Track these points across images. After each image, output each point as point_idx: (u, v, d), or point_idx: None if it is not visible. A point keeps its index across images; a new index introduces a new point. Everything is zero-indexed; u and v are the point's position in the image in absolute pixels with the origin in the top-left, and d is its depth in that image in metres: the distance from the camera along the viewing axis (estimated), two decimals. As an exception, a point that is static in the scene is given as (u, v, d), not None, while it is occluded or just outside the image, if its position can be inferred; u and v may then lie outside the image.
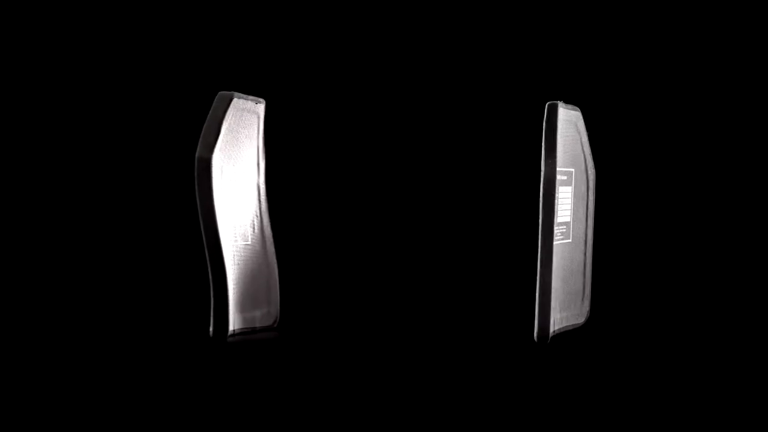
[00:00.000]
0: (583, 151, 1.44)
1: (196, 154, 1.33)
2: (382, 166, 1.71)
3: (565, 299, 1.42)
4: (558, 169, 1.37)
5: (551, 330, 1.37)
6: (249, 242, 1.43)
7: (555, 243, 1.38)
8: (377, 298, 1.67)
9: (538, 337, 1.34)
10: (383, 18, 1.69)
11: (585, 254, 1.46)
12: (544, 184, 1.34)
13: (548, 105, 1.36)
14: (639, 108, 1.68)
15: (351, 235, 1.71)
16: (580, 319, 1.46)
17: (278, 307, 1.47)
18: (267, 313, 1.45)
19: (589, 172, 1.46)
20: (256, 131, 1.45)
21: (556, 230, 1.39)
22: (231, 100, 1.37)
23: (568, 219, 1.42)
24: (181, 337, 1.38)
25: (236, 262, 1.39)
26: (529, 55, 1.68)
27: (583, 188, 1.45)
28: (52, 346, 1.31)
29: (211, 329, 1.35)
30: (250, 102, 1.42)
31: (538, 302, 1.34)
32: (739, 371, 1.23)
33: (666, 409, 1.07)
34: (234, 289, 1.38)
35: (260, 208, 1.46)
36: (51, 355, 1.26)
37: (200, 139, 1.34)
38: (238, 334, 1.39)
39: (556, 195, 1.34)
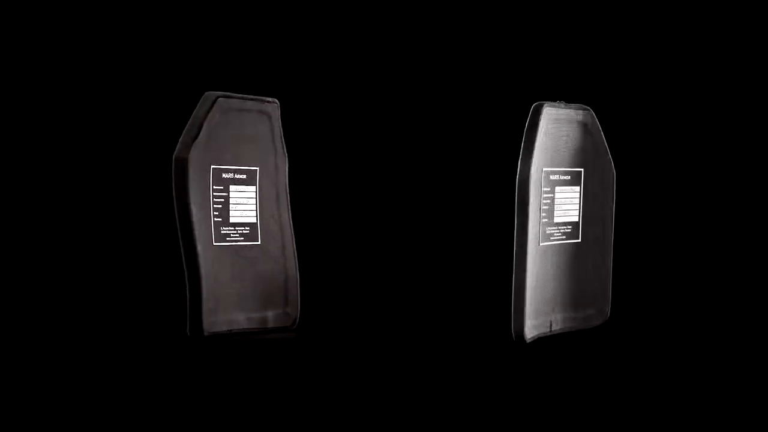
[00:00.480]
0: (597, 151, 1.43)
1: (173, 154, 1.36)
2: (393, 166, 1.71)
3: (571, 300, 1.42)
4: (554, 169, 1.38)
5: (547, 330, 1.38)
6: (259, 242, 1.44)
7: (552, 243, 1.38)
8: (380, 296, 1.68)
9: (515, 336, 1.34)
10: (390, 18, 1.69)
11: (603, 255, 1.45)
12: (518, 184, 1.33)
13: (534, 106, 1.35)
14: (659, 109, 1.66)
15: (362, 237, 1.72)
16: (596, 321, 1.45)
17: (298, 308, 1.47)
18: (283, 314, 1.46)
19: (606, 172, 1.44)
20: (268, 132, 1.45)
21: (554, 230, 1.39)
22: (215, 100, 1.38)
23: (575, 219, 1.42)
24: (168, 335, 1.40)
25: (241, 263, 1.41)
26: (547, 56, 1.67)
27: (599, 188, 1.44)
28: (62, 347, 1.33)
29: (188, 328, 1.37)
30: (250, 102, 1.42)
31: (513, 303, 1.34)
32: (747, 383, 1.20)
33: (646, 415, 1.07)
34: (233, 288, 1.40)
35: (279, 209, 1.46)
36: (59, 356, 1.28)
37: (180, 139, 1.36)
38: (240, 333, 1.40)
39: (531, 196, 1.33)
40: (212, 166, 1.38)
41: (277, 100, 1.46)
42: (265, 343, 1.38)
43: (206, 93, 1.39)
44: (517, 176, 1.33)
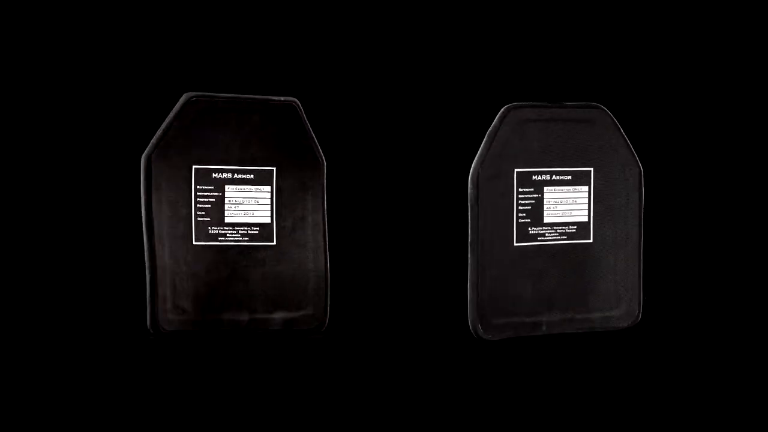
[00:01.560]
0: (612, 149, 1.39)
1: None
2: (391, 166, 1.69)
3: (580, 301, 1.39)
4: (539, 169, 1.37)
5: (539, 330, 1.38)
6: (274, 243, 1.43)
7: (541, 243, 1.38)
8: (373, 297, 1.65)
9: (474, 334, 1.36)
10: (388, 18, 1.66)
11: (625, 255, 1.40)
12: (469, 185, 1.35)
13: (501, 110, 1.36)
14: (684, 105, 1.57)
15: (358, 237, 1.68)
16: (622, 323, 1.41)
17: (324, 312, 1.44)
18: (304, 317, 1.43)
19: (627, 169, 1.40)
20: (288, 131, 1.42)
21: (545, 230, 1.38)
22: (187, 100, 1.38)
23: (581, 219, 1.38)
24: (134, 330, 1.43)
25: (244, 263, 1.41)
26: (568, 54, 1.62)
27: (616, 187, 1.40)
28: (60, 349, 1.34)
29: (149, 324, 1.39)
30: (248, 102, 1.41)
31: (469, 299, 1.36)
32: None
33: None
34: (230, 288, 1.41)
35: (307, 210, 1.44)
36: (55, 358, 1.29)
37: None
38: (240, 332, 1.41)
39: (479, 198, 1.34)
40: (194, 166, 1.40)
41: (295, 99, 1.43)
42: (255, 342, 1.37)
43: (185, 94, 1.40)
44: (469, 177, 1.36)
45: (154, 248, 1.38)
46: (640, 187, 1.40)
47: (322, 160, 1.44)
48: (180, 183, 1.40)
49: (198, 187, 1.41)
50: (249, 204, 1.42)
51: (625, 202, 1.40)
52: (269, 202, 1.43)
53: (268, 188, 1.43)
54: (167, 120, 1.39)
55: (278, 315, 1.43)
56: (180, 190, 1.40)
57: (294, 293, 1.43)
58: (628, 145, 1.39)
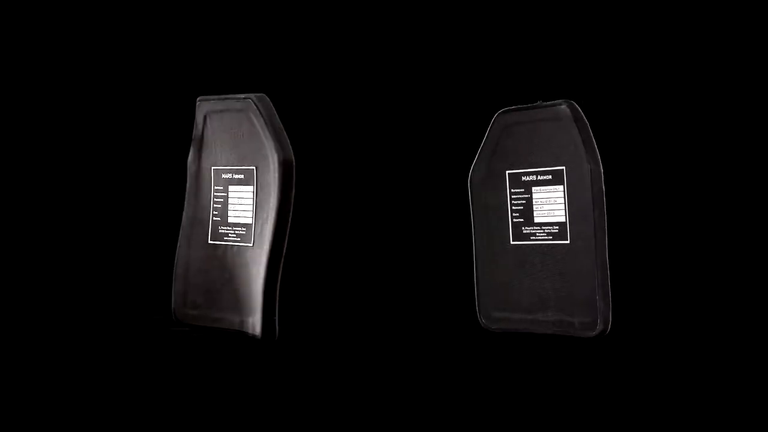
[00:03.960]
0: (580, 147, 1.36)
1: None
2: (377, 165, 1.68)
3: (567, 304, 1.37)
4: (528, 170, 1.42)
5: (546, 329, 1.40)
6: (252, 245, 1.38)
7: (532, 243, 1.42)
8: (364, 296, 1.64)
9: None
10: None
11: (595, 257, 1.34)
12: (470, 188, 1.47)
13: (497, 114, 1.44)
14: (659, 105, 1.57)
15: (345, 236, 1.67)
16: (588, 332, 1.34)
17: (265, 317, 1.34)
18: (256, 322, 1.35)
19: (590, 168, 1.35)
20: (257, 129, 1.37)
21: (535, 230, 1.42)
22: (197, 104, 1.44)
23: (561, 219, 1.36)
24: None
25: (238, 263, 1.39)
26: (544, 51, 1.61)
27: (582, 186, 1.36)
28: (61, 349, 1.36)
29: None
30: (231, 102, 1.40)
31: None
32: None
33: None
34: (230, 288, 1.40)
35: (269, 210, 1.35)
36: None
37: None
38: (233, 334, 1.39)
39: (473, 198, 1.46)
40: (213, 168, 1.43)
41: (252, 96, 1.37)
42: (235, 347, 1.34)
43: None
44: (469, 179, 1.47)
45: (177, 246, 1.46)
46: (593, 186, 1.34)
47: (283, 159, 1.34)
48: (204, 184, 1.45)
49: (215, 187, 1.45)
50: (242, 204, 1.40)
51: (588, 202, 1.35)
52: (251, 203, 1.39)
53: (251, 188, 1.39)
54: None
55: (248, 319, 1.37)
56: (203, 191, 1.45)
57: (249, 297, 1.37)
58: (589, 140, 1.36)
